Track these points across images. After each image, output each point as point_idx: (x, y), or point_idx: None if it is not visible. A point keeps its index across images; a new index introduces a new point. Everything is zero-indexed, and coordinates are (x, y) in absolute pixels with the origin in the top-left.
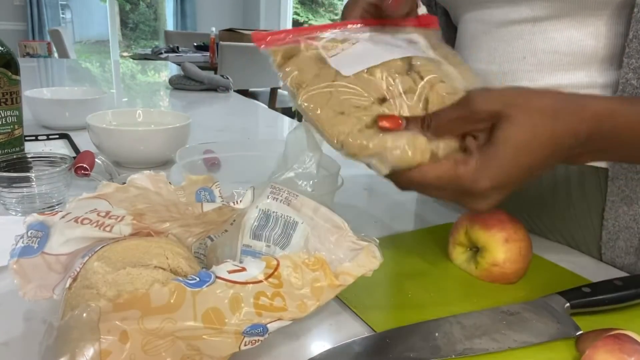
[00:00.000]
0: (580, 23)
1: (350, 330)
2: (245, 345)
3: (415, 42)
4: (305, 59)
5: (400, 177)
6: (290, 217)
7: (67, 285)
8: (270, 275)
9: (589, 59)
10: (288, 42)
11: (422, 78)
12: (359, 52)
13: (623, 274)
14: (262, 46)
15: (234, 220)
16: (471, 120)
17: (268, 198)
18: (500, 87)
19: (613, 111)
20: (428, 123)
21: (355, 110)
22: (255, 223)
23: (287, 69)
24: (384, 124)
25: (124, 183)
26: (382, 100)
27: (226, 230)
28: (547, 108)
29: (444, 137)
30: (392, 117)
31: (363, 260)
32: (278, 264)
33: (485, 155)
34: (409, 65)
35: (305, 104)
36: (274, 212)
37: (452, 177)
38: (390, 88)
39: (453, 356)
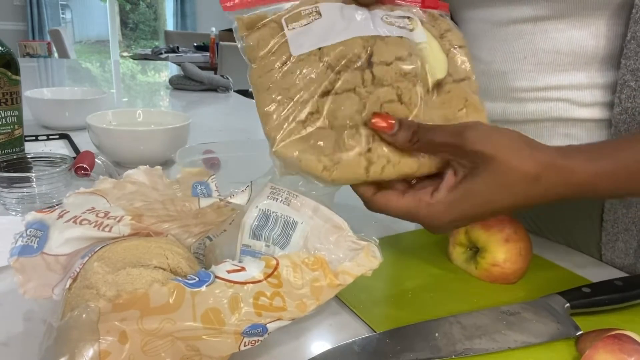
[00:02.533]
0: (581, 23)
1: (350, 330)
2: (245, 345)
3: (405, 18)
4: (266, 30)
5: (367, 197)
6: (289, 217)
7: (67, 285)
8: (269, 275)
9: (590, 59)
10: (256, 4)
11: (372, 79)
12: (321, 26)
13: (623, 274)
14: (227, 9)
15: (233, 220)
16: (459, 153)
17: (268, 198)
18: (497, 130)
19: (599, 181)
20: (419, 136)
21: (288, 102)
22: (255, 223)
23: (247, 39)
24: (377, 122)
25: None
26: (325, 94)
27: (225, 230)
28: (530, 172)
29: (423, 153)
30: (385, 116)
31: (363, 259)
32: (277, 264)
33: (451, 200)
34: (370, 50)
35: (252, 84)
36: (273, 212)
37: (414, 215)
38: (334, 83)
39: (453, 356)
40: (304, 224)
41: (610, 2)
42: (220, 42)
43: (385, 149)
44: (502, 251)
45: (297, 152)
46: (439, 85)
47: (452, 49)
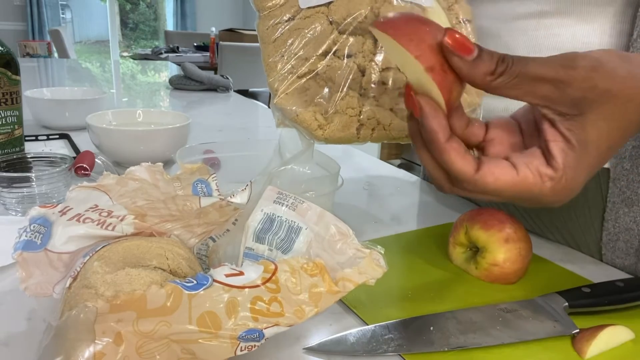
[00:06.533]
0: (584, 20)
1: (351, 330)
2: (241, 350)
3: None
4: None
5: (468, 175)
6: (294, 222)
7: (67, 284)
8: (267, 280)
9: None
10: None
11: (373, 47)
12: None
13: (623, 275)
14: None
15: (236, 220)
16: (560, 93)
17: (274, 202)
18: (601, 65)
19: None
20: (506, 67)
21: (293, 57)
22: (259, 226)
23: None
24: (452, 43)
25: None
26: (327, 53)
27: (228, 230)
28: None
29: (509, 95)
30: (462, 38)
31: (365, 267)
32: (276, 269)
33: (573, 163)
34: (377, 11)
35: (259, 33)
36: (278, 216)
37: (536, 194)
38: (336, 46)
39: (446, 349)
40: (308, 230)
41: (615, 0)
42: (220, 42)
43: (375, 113)
44: (502, 251)
45: (295, 107)
46: None
47: (459, 22)
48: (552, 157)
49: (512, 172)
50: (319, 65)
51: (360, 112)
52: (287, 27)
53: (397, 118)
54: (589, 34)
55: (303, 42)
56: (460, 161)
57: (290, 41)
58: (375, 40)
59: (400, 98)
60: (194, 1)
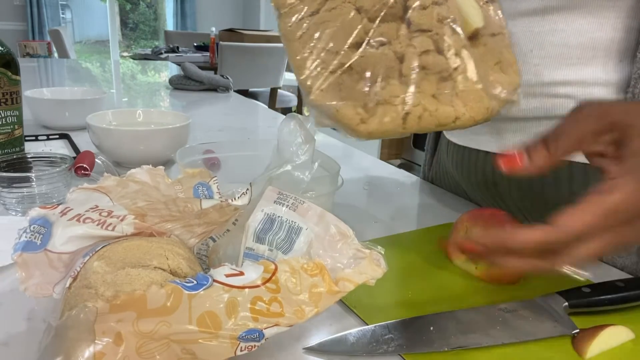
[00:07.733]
0: (591, 15)
1: (351, 330)
2: (241, 350)
3: None
4: None
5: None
6: (295, 222)
7: (67, 284)
8: (268, 280)
9: (599, 53)
10: None
11: (408, 31)
12: None
13: (623, 275)
14: None
15: (236, 220)
16: (604, 131)
17: (275, 203)
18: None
19: None
20: (551, 142)
21: (322, 52)
22: (260, 226)
23: None
24: (502, 165)
25: None
26: (359, 44)
27: (228, 230)
28: None
29: (561, 157)
30: (509, 156)
31: (365, 267)
32: (276, 269)
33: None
34: None
35: (282, 32)
36: (279, 216)
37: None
38: (367, 36)
39: (446, 349)
40: (309, 230)
41: None
42: (220, 42)
43: (420, 98)
44: None
45: (334, 102)
46: (475, 37)
47: (486, 3)
48: (606, 172)
49: (589, 205)
50: (352, 57)
51: (404, 100)
52: (312, 21)
53: (442, 104)
54: (597, 29)
55: (331, 35)
56: (526, 231)
57: (317, 35)
58: (409, 25)
59: (442, 82)
60: (194, 1)
